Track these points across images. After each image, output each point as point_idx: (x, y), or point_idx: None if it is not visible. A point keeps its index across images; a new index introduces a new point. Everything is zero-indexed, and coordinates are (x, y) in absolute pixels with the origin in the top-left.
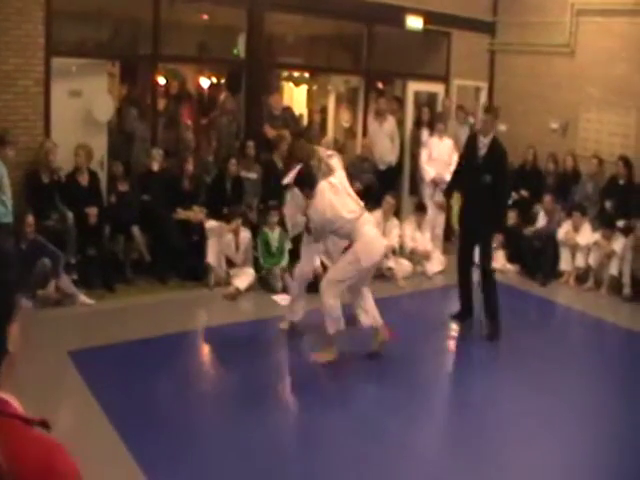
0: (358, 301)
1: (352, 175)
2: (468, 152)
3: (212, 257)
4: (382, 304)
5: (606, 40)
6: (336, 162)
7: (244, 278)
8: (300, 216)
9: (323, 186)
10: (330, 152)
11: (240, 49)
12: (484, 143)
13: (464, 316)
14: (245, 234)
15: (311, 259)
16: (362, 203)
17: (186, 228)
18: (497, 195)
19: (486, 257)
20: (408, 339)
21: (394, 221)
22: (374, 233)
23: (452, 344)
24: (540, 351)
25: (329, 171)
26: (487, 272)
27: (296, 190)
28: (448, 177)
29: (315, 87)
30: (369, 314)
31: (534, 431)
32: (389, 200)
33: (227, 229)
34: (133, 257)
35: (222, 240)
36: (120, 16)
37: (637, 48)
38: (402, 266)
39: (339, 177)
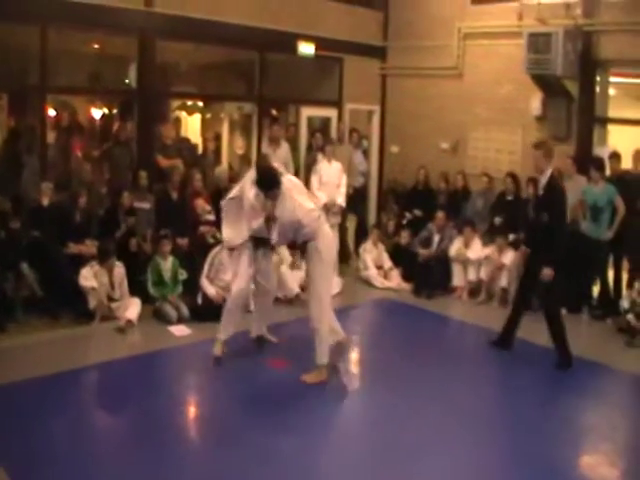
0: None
1: None
2: (533, 196)
3: (93, 302)
4: (279, 330)
5: (492, 62)
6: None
7: (133, 309)
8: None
9: (286, 185)
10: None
11: (132, 78)
12: (542, 183)
13: (503, 344)
14: (119, 269)
15: (247, 275)
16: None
17: (78, 262)
18: (552, 233)
19: (547, 294)
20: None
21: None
22: (330, 231)
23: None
24: (434, 362)
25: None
26: (550, 311)
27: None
28: (340, 200)
29: (209, 115)
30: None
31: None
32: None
33: (100, 271)
34: (24, 294)
35: (99, 282)
36: (6, 46)
37: (521, 69)
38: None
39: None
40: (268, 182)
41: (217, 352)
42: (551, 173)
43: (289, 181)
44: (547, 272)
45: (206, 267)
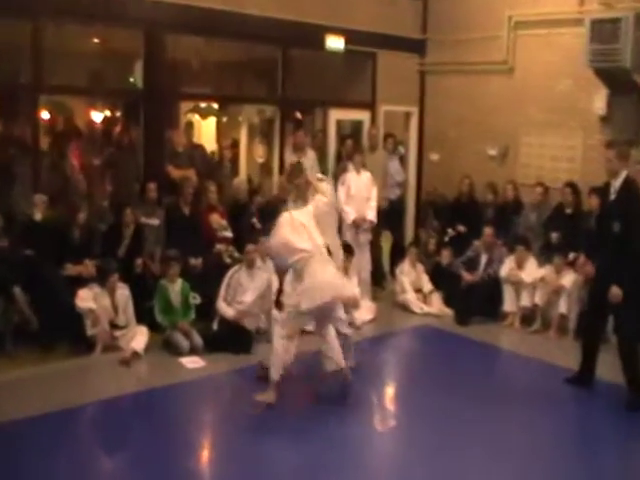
0: (322, 346)
1: (269, 219)
2: (602, 201)
3: (93, 328)
4: (297, 360)
5: (547, 54)
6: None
7: (139, 338)
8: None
9: (283, 218)
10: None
11: (137, 77)
12: (615, 187)
13: (583, 380)
14: (122, 291)
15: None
16: (320, 242)
17: (76, 286)
18: (627, 246)
19: (620, 322)
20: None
21: None
22: (323, 276)
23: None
24: (482, 399)
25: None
26: (624, 339)
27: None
28: (371, 215)
29: (225, 119)
30: (332, 360)
31: None
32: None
33: (101, 293)
34: (15, 322)
35: (99, 305)
36: None
37: (582, 62)
38: None
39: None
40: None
41: (268, 398)
42: (626, 176)
43: (289, 214)
44: (615, 292)
45: (223, 288)
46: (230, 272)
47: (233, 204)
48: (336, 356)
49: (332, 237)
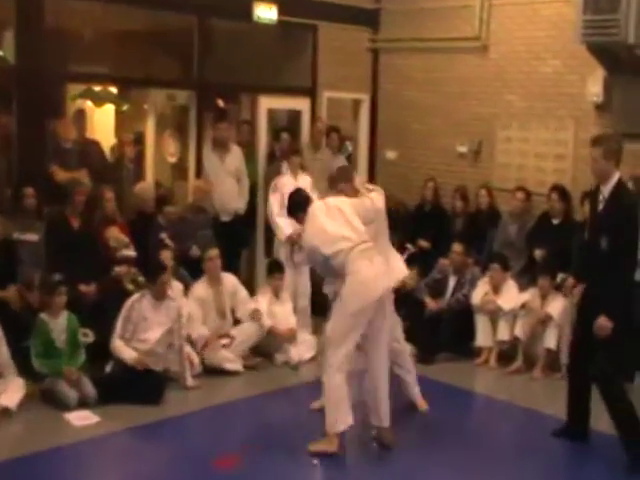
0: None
1: (182, 233)
2: (590, 210)
3: None
4: (221, 413)
5: (530, 28)
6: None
7: (12, 393)
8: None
9: (316, 206)
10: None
11: (7, 51)
12: (604, 195)
13: (573, 434)
14: None
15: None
16: (363, 233)
17: None
18: (613, 266)
19: (605, 356)
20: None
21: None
22: (369, 270)
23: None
24: (454, 461)
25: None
26: (606, 377)
27: None
28: None
29: (126, 107)
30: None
31: None
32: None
33: None
34: None
35: None
36: None
37: (573, 37)
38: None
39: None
40: (294, 205)
41: (328, 447)
42: (618, 180)
43: (323, 202)
44: (602, 323)
45: (119, 323)
46: (129, 302)
47: (137, 216)
48: (383, 410)
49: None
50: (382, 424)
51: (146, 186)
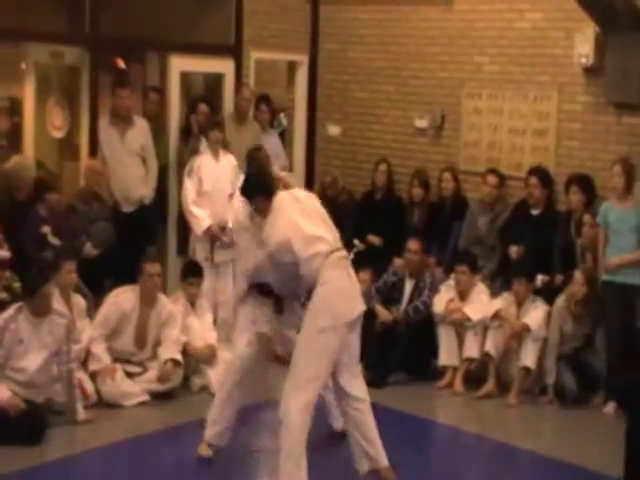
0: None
1: (71, 227)
2: None
3: None
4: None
5: None
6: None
7: None
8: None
9: (283, 198)
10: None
11: None
12: None
13: None
14: None
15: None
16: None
17: None
18: None
19: None
20: None
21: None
22: (346, 283)
23: None
24: None
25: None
26: None
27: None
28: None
29: None
30: (369, 455)
31: None
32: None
33: None
34: None
35: None
36: None
37: None
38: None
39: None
40: (249, 185)
41: (202, 452)
42: None
43: (289, 194)
44: None
45: None
46: (1, 319)
47: (9, 204)
48: (375, 450)
49: None
50: (379, 465)
51: (23, 161)
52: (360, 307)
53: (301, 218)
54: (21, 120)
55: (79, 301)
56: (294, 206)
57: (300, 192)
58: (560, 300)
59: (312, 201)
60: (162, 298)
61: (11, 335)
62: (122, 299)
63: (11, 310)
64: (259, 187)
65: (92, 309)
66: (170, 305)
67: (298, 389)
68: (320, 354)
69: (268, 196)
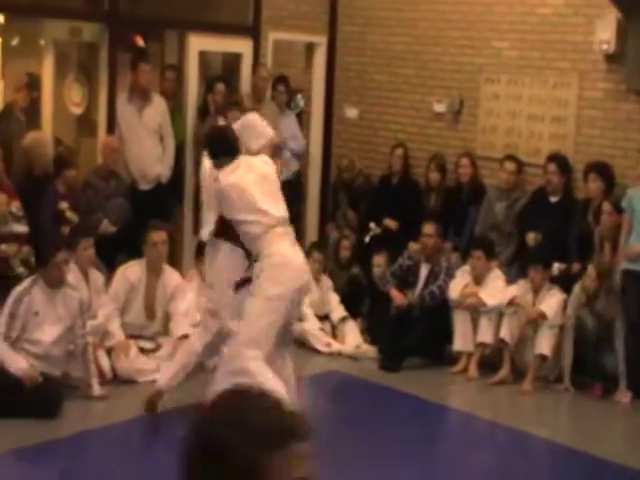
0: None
1: (88, 204)
2: None
3: None
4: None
5: None
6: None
7: None
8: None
9: (246, 161)
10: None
11: None
12: None
13: None
14: None
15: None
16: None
17: None
18: None
19: None
20: None
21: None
22: (292, 253)
23: None
24: None
25: None
26: None
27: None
28: None
29: (15, 42)
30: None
31: None
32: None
33: None
34: None
35: None
36: None
37: None
38: None
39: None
40: (215, 144)
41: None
42: None
43: (259, 159)
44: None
45: (3, 319)
46: (16, 292)
47: (26, 179)
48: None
49: None
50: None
51: (41, 137)
52: (305, 277)
53: (253, 186)
54: (40, 96)
55: (97, 277)
56: (251, 172)
57: (264, 161)
58: (577, 287)
59: (270, 171)
60: (168, 269)
61: (26, 307)
62: (129, 272)
63: (25, 283)
64: (223, 147)
65: (106, 285)
66: (177, 277)
67: (247, 347)
68: (267, 320)
69: (231, 156)
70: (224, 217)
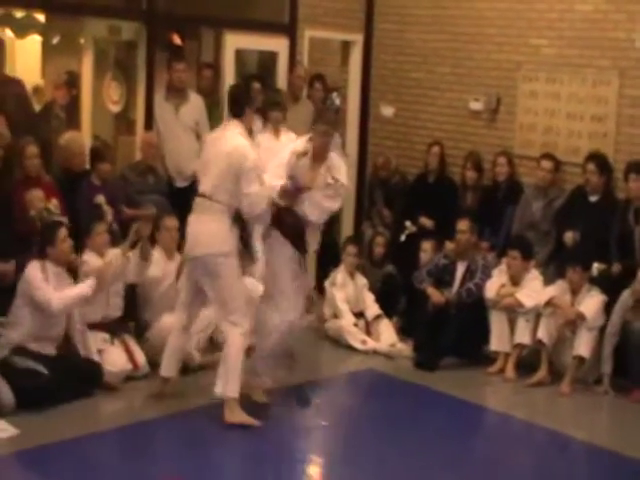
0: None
1: (124, 198)
2: None
3: None
4: None
5: None
6: None
7: None
8: None
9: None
10: None
11: None
12: None
13: None
14: None
15: None
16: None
17: None
18: None
19: None
20: None
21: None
22: (190, 227)
23: None
24: None
25: None
26: None
27: None
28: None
29: (56, 40)
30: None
31: None
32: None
33: None
34: None
35: None
36: None
37: None
38: None
39: None
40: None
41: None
42: None
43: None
44: None
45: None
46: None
47: (64, 174)
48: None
49: None
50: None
51: (74, 137)
52: (196, 251)
53: (210, 156)
54: (79, 94)
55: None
56: (219, 142)
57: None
58: (626, 293)
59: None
60: (178, 255)
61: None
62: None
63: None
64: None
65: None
66: None
67: None
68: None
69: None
70: None
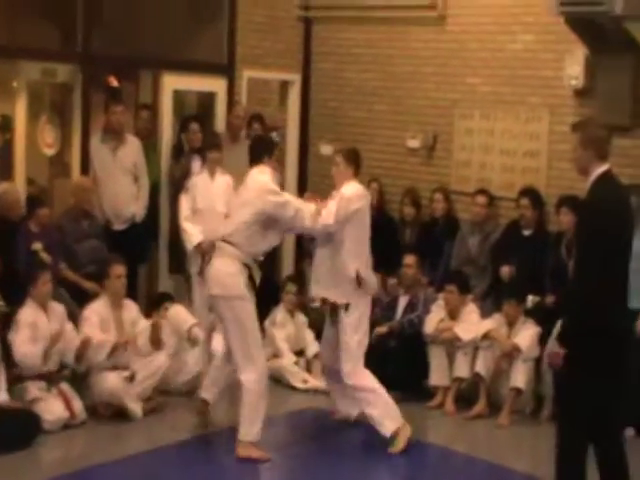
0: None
1: (66, 249)
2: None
3: None
4: None
5: None
6: None
7: None
8: None
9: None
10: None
11: None
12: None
13: None
14: None
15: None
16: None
17: None
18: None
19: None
20: None
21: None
22: (210, 267)
23: None
24: None
25: None
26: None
27: None
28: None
29: None
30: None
31: None
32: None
33: None
34: None
35: None
36: None
37: (548, 7)
38: None
39: None
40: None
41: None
42: (602, 174)
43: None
44: (552, 352)
45: None
46: None
47: (1, 223)
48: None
49: None
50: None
51: (9, 188)
52: (212, 291)
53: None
54: (12, 137)
55: (57, 308)
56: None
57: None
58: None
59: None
60: (127, 301)
61: None
62: (98, 309)
63: None
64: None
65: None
66: (132, 304)
67: None
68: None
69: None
70: None
